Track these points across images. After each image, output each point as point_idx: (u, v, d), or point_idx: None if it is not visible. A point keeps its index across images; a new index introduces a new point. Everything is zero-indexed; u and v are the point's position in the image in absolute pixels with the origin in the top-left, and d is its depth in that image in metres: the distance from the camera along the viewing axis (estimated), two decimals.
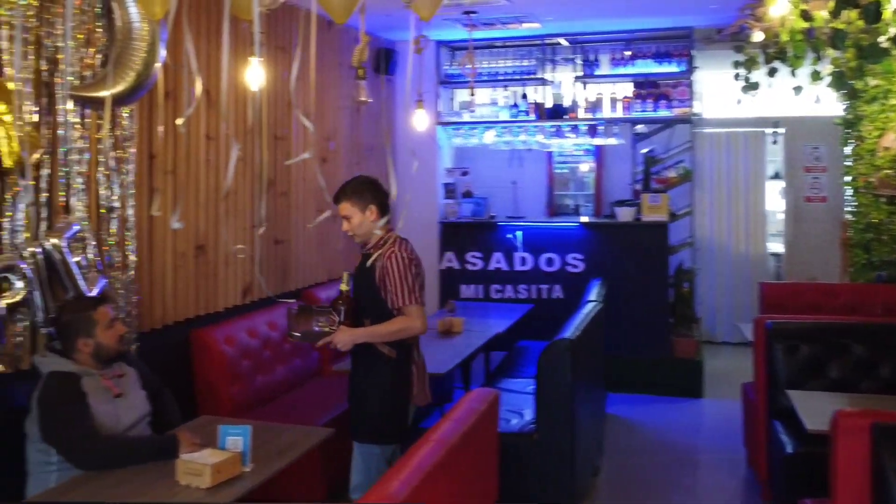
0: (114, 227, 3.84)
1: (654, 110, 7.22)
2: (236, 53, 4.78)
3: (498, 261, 7.44)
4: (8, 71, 3.25)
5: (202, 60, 4.25)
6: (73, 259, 3.49)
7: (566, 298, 7.16)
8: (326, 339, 3.44)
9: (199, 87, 2.87)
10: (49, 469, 3.07)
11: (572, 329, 4.46)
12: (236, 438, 3.06)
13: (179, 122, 3.49)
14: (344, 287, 3.51)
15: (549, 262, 7.34)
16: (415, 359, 3.63)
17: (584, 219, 7.56)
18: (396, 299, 3.44)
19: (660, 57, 7.25)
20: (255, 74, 2.97)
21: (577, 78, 7.48)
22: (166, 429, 3.36)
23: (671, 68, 7.21)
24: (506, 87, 7.65)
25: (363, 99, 4.23)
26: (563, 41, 7.52)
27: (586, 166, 8.38)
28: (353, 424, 3.56)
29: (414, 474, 2.53)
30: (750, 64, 6.07)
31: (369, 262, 3.49)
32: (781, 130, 8.63)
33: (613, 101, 7.32)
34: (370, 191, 3.55)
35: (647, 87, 7.26)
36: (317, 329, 3.50)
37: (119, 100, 3.70)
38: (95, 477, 2.92)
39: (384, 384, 3.51)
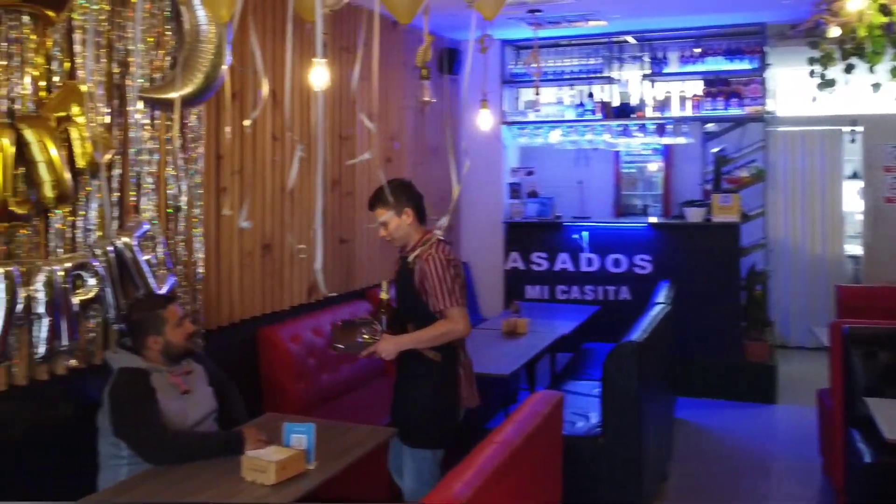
0: (182, 227, 3.90)
1: (725, 108, 7.04)
2: (301, 54, 4.82)
3: (564, 261, 7.35)
4: (81, 74, 3.33)
5: (267, 61, 4.30)
6: (143, 257, 3.56)
7: (633, 300, 7.03)
8: (370, 350, 3.42)
9: (265, 88, 2.89)
10: (120, 462, 3.13)
11: (639, 331, 4.37)
12: (300, 436, 3.08)
13: (247, 123, 3.53)
14: (384, 295, 3.49)
15: (616, 263, 7.22)
16: (461, 360, 3.58)
17: (653, 219, 7.41)
18: (437, 302, 3.40)
19: (731, 54, 7.06)
20: (318, 76, 2.97)
21: (644, 76, 7.34)
22: (232, 425, 3.39)
23: (743, 65, 7.02)
24: (572, 85, 7.56)
25: (427, 99, 4.22)
26: (630, 39, 7.39)
27: (654, 166, 8.22)
28: (402, 429, 3.54)
29: (476, 476, 2.49)
30: (826, 60, 5.85)
31: (408, 266, 3.46)
32: (860, 129, 8.32)
33: (682, 99, 7.16)
34: (405, 193, 3.51)
35: (718, 85, 7.08)
36: (360, 340, 3.48)
37: (187, 101, 3.75)
38: (164, 471, 2.96)
39: (431, 388, 3.48)
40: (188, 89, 3.71)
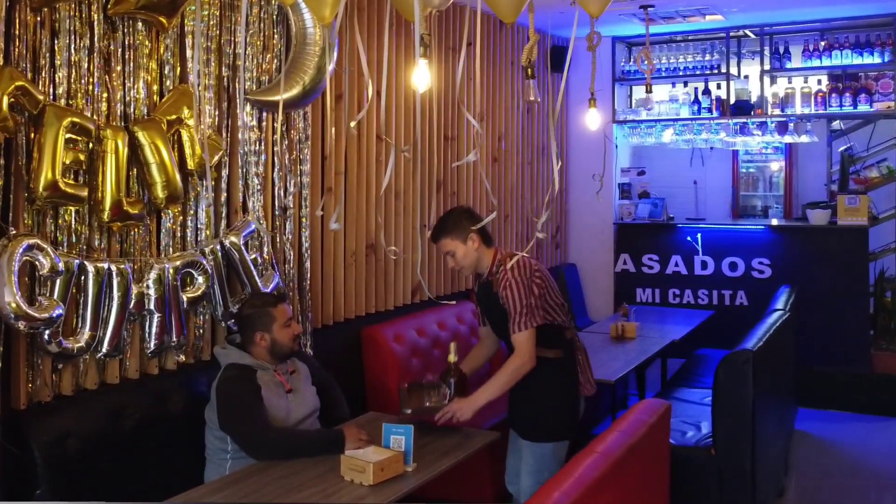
0: (288, 227, 3.97)
1: (853, 105, 6.63)
2: (407, 55, 4.85)
3: (676, 264, 7.11)
4: (193, 78, 3.43)
5: (372, 63, 4.32)
6: (250, 256, 3.64)
7: (750, 306, 6.73)
8: (447, 415, 3.33)
9: (370, 89, 2.89)
10: (224, 456, 3.21)
11: (755, 339, 4.15)
12: (399, 437, 3.07)
13: (352, 124, 3.54)
14: (452, 358, 3.41)
15: (733, 266, 6.93)
16: (578, 346, 3.53)
17: (773, 221, 7.07)
18: (511, 327, 3.32)
19: (859, 47, 6.64)
20: (421, 76, 2.96)
21: (764, 72, 7.00)
22: (335, 423, 3.41)
23: (873, 59, 6.58)
24: (686, 82, 7.29)
25: (532, 98, 4.13)
26: (749, 33, 7.07)
27: (775, 166, 7.84)
28: (521, 425, 3.47)
29: (575, 486, 2.41)
30: None
31: (493, 290, 3.39)
32: None
33: (806, 95, 6.79)
34: (467, 219, 3.41)
35: (845, 80, 6.68)
36: (428, 404, 3.42)
37: (293, 103, 3.82)
38: (266, 467, 3.01)
39: (553, 383, 3.42)
40: (294, 91, 3.79)
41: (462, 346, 5.17)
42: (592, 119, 5.26)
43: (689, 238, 7.10)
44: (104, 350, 3.06)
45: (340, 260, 4.42)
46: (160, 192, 3.20)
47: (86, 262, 2.97)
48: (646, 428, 3.04)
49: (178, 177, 3.26)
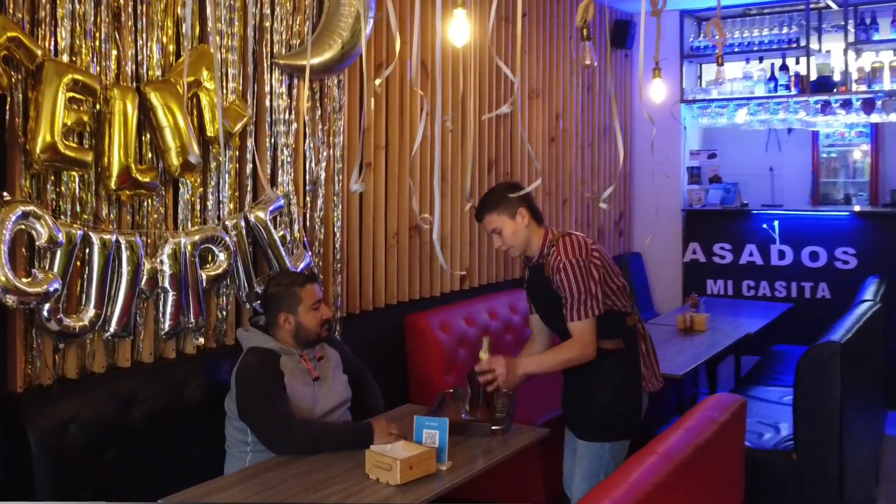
0: (321, 203, 3.68)
1: None
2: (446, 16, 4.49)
3: (751, 254, 6.61)
4: (216, 39, 3.16)
5: (404, 21, 3.96)
6: (278, 234, 3.36)
7: (834, 298, 6.21)
8: (488, 377, 2.94)
9: (398, 46, 2.59)
10: (244, 449, 2.95)
11: (843, 331, 3.71)
12: (433, 432, 2.74)
13: (377, 82, 3.24)
14: (483, 355, 2.98)
15: (814, 256, 6.41)
16: (641, 335, 3.11)
17: (857, 208, 6.51)
18: (567, 314, 2.92)
19: None
20: (458, 29, 2.63)
21: (848, 45, 6.44)
22: (368, 416, 3.12)
23: None
24: (761, 59, 6.76)
25: (588, 62, 3.79)
26: (831, 4, 6.52)
27: (859, 152, 7.25)
28: (576, 422, 3.09)
29: (630, 491, 2.04)
30: None
31: (545, 274, 2.98)
32: None
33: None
34: (513, 193, 3.01)
35: None
36: (464, 416, 3.06)
37: (325, 69, 3.53)
38: (287, 461, 2.73)
39: (612, 377, 3.01)
40: (327, 55, 3.50)
41: (516, 339, 4.86)
42: (657, 91, 4.83)
43: (765, 226, 6.59)
44: (112, 330, 2.81)
45: (381, 241, 4.11)
46: (175, 159, 2.93)
47: (90, 233, 2.72)
48: (716, 426, 2.64)
49: (194, 143, 2.98)
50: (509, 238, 3.02)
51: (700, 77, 7.21)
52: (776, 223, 6.55)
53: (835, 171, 7.43)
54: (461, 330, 4.49)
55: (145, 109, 2.87)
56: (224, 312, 3.28)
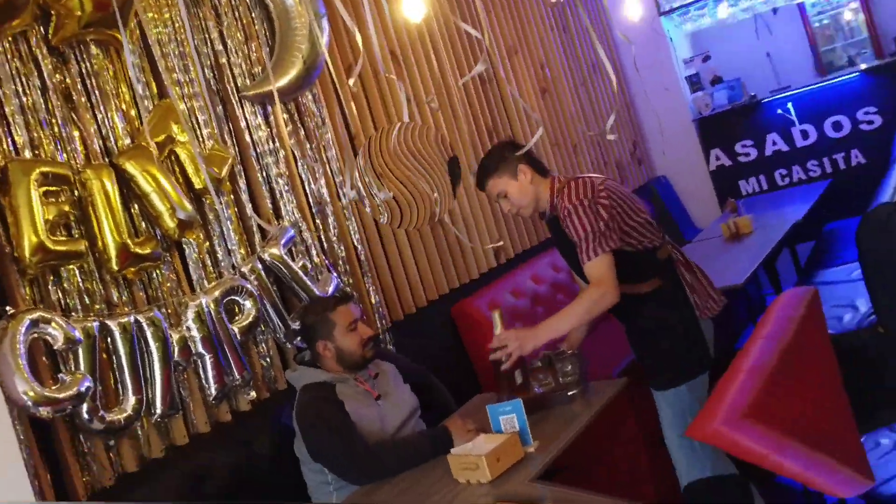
0: (331, 221, 3.55)
1: None
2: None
3: (774, 143, 6.39)
4: (174, 91, 3.04)
5: (375, 19, 3.82)
6: (297, 265, 3.24)
7: (869, 161, 6.01)
8: (500, 351, 2.74)
9: (359, 40, 2.47)
10: (328, 489, 2.83)
11: (890, 191, 3.53)
12: (509, 416, 2.60)
13: (351, 81, 3.10)
14: (497, 331, 2.80)
15: (837, 126, 6.17)
16: (682, 264, 2.86)
17: (864, 66, 6.26)
18: (581, 257, 2.68)
19: None
20: (412, 4, 2.52)
21: None
22: (442, 418, 2.98)
23: None
24: None
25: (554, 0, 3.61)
26: None
27: (849, 7, 6.96)
28: (646, 373, 2.90)
29: (726, 419, 1.89)
30: None
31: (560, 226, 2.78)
32: None
33: None
34: (511, 151, 2.84)
35: None
36: (537, 388, 2.90)
37: (295, 87, 3.41)
38: (373, 490, 2.60)
39: (659, 320, 2.79)
40: (292, 74, 3.37)
41: (569, 295, 4.70)
42: (633, 9, 4.64)
43: (779, 111, 6.38)
44: (159, 411, 2.69)
45: (404, 239, 3.97)
46: (169, 222, 2.81)
47: (107, 321, 2.61)
48: (795, 324, 2.47)
49: (185, 200, 2.87)
50: (516, 199, 2.84)
51: None
52: (790, 105, 6.33)
53: (831, 37, 7.15)
54: (510, 304, 4.33)
55: (125, 181, 2.76)
56: (268, 359, 3.17)
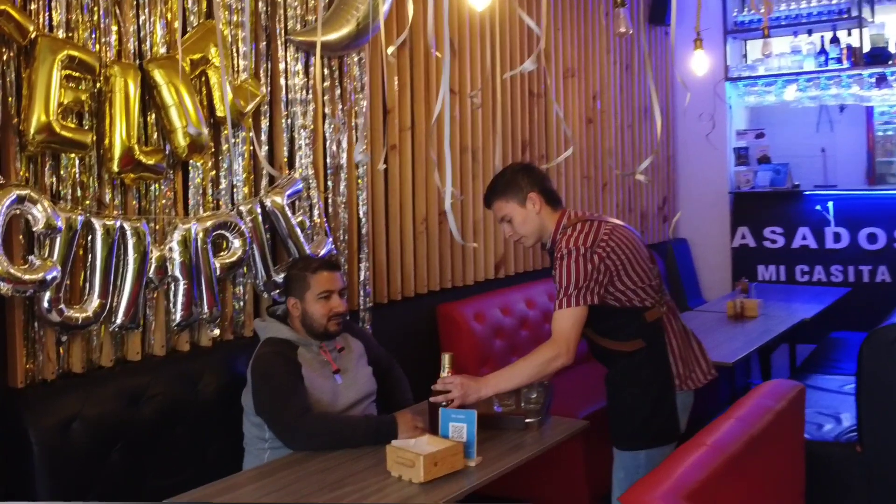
0: (343, 187, 3.49)
1: None
2: None
3: (804, 237, 6.28)
4: (223, 14, 2.99)
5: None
6: (296, 219, 3.18)
7: (894, 283, 5.88)
8: (441, 396, 2.61)
9: (410, 12, 2.42)
10: (262, 446, 2.79)
11: None
12: (460, 425, 2.52)
13: (390, 50, 3.04)
14: (444, 374, 2.66)
15: (872, 238, 6.06)
16: (672, 330, 2.75)
17: None
18: (555, 303, 2.61)
19: None
20: None
21: None
22: (395, 410, 2.91)
23: None
24: (810, 31, 6.41)
25: (623, 30, 3.54)
26: None
27: None
28: (610, 428, 2.80)
29: (674, 489, 1.81)
30: None
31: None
32: None
33: None
34: (525, 177, 2.73)
35: None
36: (496, 406, 2.86)
37: (341, 46, 3.35)
38: (304, 458, 2.55)
39: (634, 381, 2.68)
40: (343, 31, 3.31)
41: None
42: (699, 63, 4.57)
43: (818, 207, 6.26)
44: (119, 321, 2.65)
45: (409, 226, 3.91)
46: (181, 140, 2.76)
47: (93, 219, 2.56)
48: (772, 415, 2.40)
49: (202, 123, 2.81)
50: (519, 227, 2.75)
51: (745, 55, 6.88)
52: (830, 204, 6.22)
53: (891, 150, 7.02)
54: (497, 320, 4.27)
55: (149, 88, 2.71)
56: (241, 303, 3.11)
